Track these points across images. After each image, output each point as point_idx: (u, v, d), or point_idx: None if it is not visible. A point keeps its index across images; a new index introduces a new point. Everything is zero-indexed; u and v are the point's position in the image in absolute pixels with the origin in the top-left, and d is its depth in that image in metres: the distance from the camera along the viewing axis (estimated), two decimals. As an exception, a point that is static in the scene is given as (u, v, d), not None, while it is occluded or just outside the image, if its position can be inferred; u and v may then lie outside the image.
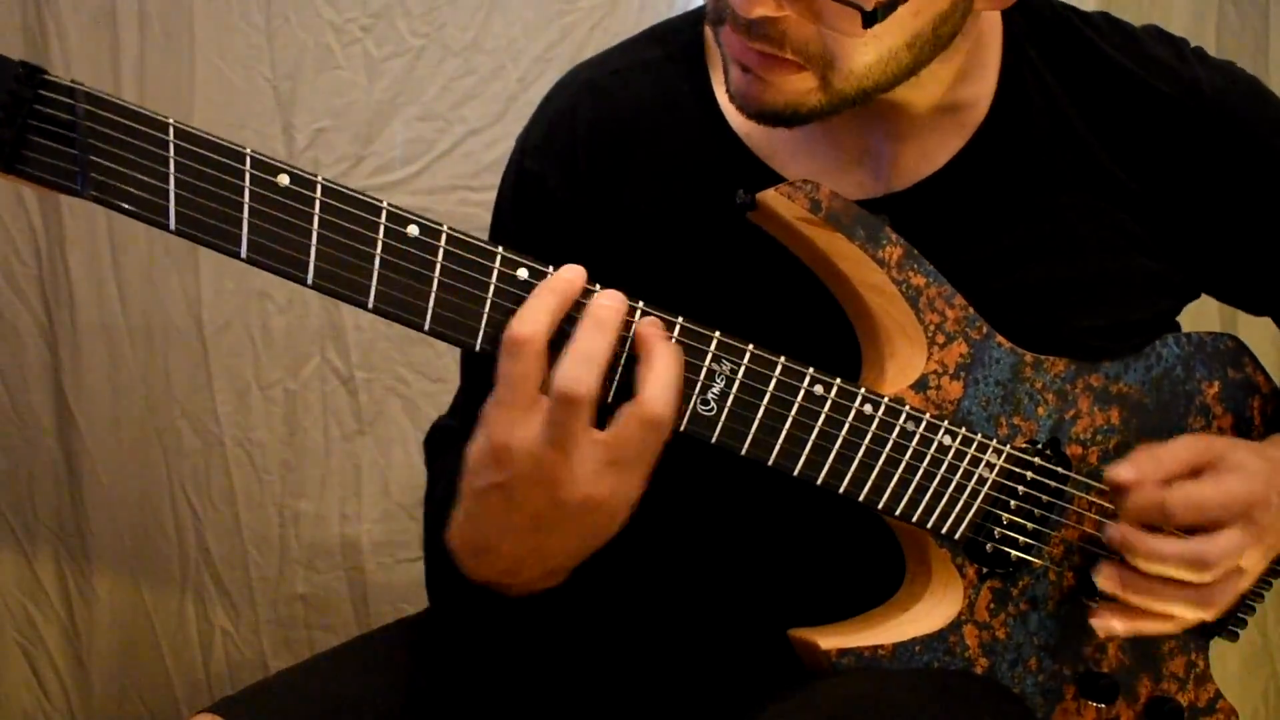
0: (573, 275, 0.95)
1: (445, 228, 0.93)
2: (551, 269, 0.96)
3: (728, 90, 1.08)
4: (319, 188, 0.90)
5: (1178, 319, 1.26)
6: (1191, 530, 1.09)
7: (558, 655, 1.27)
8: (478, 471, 0.96)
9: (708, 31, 1.21)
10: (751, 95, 1.05)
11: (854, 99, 1.04)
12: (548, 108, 1.26)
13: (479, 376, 1.01)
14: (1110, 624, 1.13)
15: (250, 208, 0.88)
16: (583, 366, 0.91)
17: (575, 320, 0.95)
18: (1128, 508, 1.09)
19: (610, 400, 0.97)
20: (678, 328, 1.00)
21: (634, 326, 0.97)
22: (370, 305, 0.92)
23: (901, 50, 1.02)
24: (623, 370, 0.97)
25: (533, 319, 0.92)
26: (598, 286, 0.97)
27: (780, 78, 1.03)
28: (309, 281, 0.90)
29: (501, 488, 0.94)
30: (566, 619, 1.32)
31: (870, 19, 0.97)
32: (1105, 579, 1.11)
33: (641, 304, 0.98)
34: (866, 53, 1.00)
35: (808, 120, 1.06)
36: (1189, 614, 1.11)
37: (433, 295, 0.93)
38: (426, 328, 0.94)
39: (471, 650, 1.23)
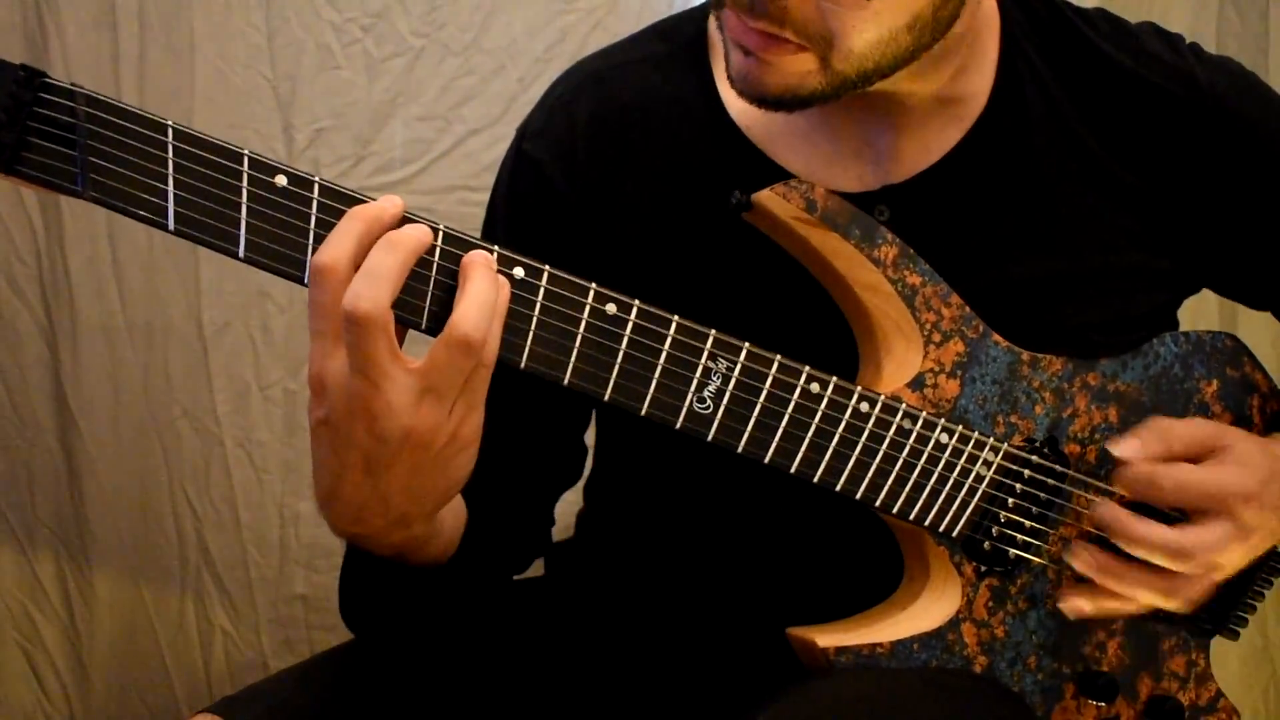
0: (385, 203, 0.91)
1: (442, 226, 0.93)
2: (547, 268, 0.96)
3: (728, 75, 1.07)
4: (316, 188, 0.90)
5: (1177, 317, 1.26)
6: (1178, 513, 1.10)
7: (552, 650, 1.28)
8: (309, 411, 0.93)
9: (711, 26, 1.21)
10: (752, 78, 1.05)
11: (855, 81, 1.04)
12: (550, 96, 1.27)
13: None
14: (1077, 604, 1.14)
15: (248, 208, 0.89)
16: (365, 283, 0.87)
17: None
18: (1120, 477, 1.10)
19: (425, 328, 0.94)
20: (673, 326, 1.00)
21: (461, 258, 0.93)
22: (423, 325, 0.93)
23: (901, 32, 1.02)
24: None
25: (335, 245, 0.88)
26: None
27: (780, 58, 1.02)
28: (306, 281, 0.90)
29: (326, 423, 0.92)
30: (560, 614, 1.32)
31: None
32: (1080, 561, 1.12)
33: (498, 250, 0.95)
34: (867, 31, 1.00)
35: (808, 104, 1.06)
36: (1157, 601, 1.12)
37: (429, 295, 0.93)
38: (423, 326, 0.94)
39: (388, 635, 1.20)
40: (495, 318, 0.92)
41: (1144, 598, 1.11)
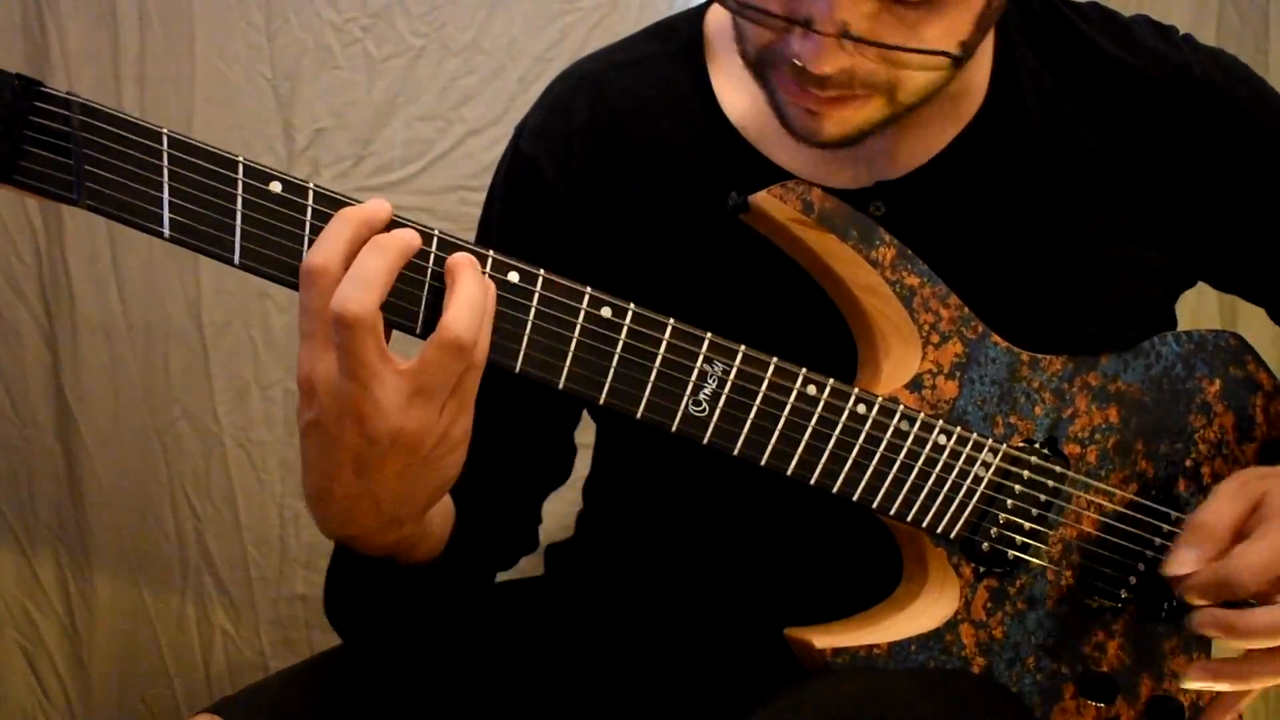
0: (375, 206, 0.91)
1: (436, 232, 0.93)
2: (542, 272, 0.96)
3: (785, 124, 1.07)
4: (311, 194, 0.90)
5: (1176, 317, 1.26)
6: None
7: (550, 650, 1.28)
8: (299, 413, 0.93)
9: (708, 27, 1.21)
10: (819, 130, 1.05)
11: (917, 105, 1.05)
12: (547, 96, 1.27)
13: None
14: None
15: (243, 215, 0.89)
16: (353, 285, 0.87)
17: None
18: (1194, 590, 1.08)
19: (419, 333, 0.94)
20: (668, 329, 1.00)
21: (446, 260, 0.93)
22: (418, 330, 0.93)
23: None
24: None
25: (325, 248, 0.88)
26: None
27: (850, 111, 1.03)
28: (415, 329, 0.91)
29: (316, 425, 0.92)
30: (560, 615, 1.32)
31: (960, 60, 0.99)
32: (1195, 680, 1.12)
33: (493, 254, 0.95)
34: (928, 68, 1.01)
35: (874, 134, 1.07)
36: None
37: (423, 300, 0.93)
38: (418, 331, 0.94)
39: (373, 634, 1.19)
40: (485, 318, 0.92)
41: (1273, 681, 1.10)
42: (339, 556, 1.09)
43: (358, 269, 0.88)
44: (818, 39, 0.96)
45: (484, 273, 0.94)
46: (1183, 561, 1.09)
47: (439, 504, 1.06)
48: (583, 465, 1.37)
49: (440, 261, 0.93)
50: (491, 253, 0.94)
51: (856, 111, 1.03)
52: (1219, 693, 1.15)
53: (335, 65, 1.80)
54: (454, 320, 0.90)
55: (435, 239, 0.93)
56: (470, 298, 0.91)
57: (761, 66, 1.06)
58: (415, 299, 0.93)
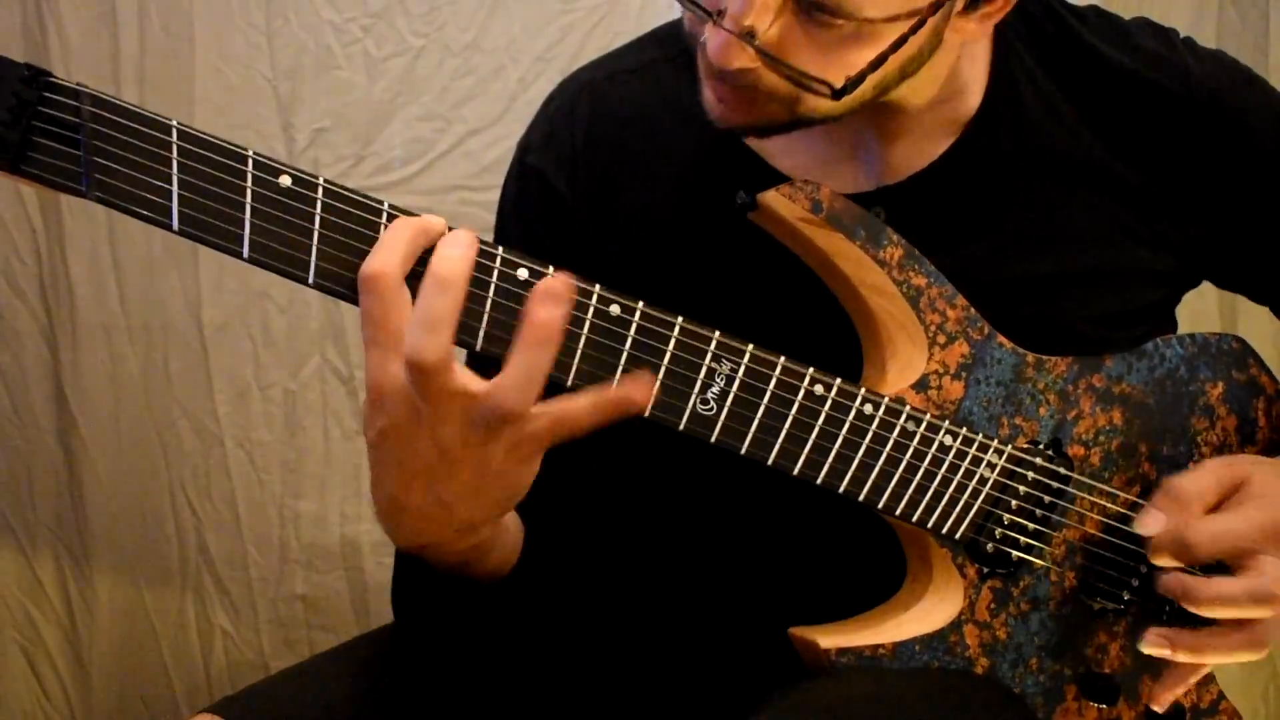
0: (430, 219, 0.91)
1: (500, 251, 0.94)
2: (551, 269, 0.96)
3: (703, 103, 1.08)
4: (320, 188, 0.90)
5: (1177, 319, 1.27)
6: (1217, 567, 1.09)
7: (552, 651, 1.28)
8: (368, 421, 0.92)
9: None
10: (725, 118, 1.06)
11: (832, 117, 1.05)
12: (549, 107, 1.27)
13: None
14: (1157, 693, 1.16)
15: (252, 208, 0.89)
16: (422, 333, 0.86)
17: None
18: (1155, 552, 1.09)
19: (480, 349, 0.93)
20: (677, 327, 1.00)
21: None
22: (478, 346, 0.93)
23: (869, 91, 1.03)
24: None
25: (384, 253, 0.88)
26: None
27: (752, 108, 1.04)
28: (310, 281, 0.90)
29: (387, 434, 0.91)
30: (561, 615, 1.32)
31: (839, 94, 0.99)
32: (1150, 646, 1.12)
33: (501, 252, 0.94)
34: (834, 103, 1.01)
35: (780, 132, 1.08)
36: (1241, 656, 1.11)
37: (485, 316, 0.93)
38: (479, 348, 0.93)
39: (443, 645, 1.20)
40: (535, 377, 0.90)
41: (1230, 656, 1.11)
42: (406, 563, 1.09)
43: (426, 313, 0.87)
44: (724, 34, 0.98)
45: (494, 269, 0.94)
46: (1148, 521, 1.10)
47: (510, 515, 1.06)
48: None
49: (505, 278, 0.93)
50: (500, 250, 0.94)
51: (758, 110, 1.04)
52: (1175, 664, 1.14)
53: (335, 65, 1.80)
54: (504, 386, 0.89)
55: (499, 257, 0.93)
56: (528, 363, 0.88)
57: (693, 49, 1.07)
58: (478, 316, 0.93)
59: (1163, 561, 1.10)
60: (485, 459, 0.92)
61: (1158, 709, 1.16)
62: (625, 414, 0.93)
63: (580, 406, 0.92)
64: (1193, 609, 1.09)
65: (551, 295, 0.88)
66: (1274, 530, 1.08)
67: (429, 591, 1.12)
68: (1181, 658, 1.12)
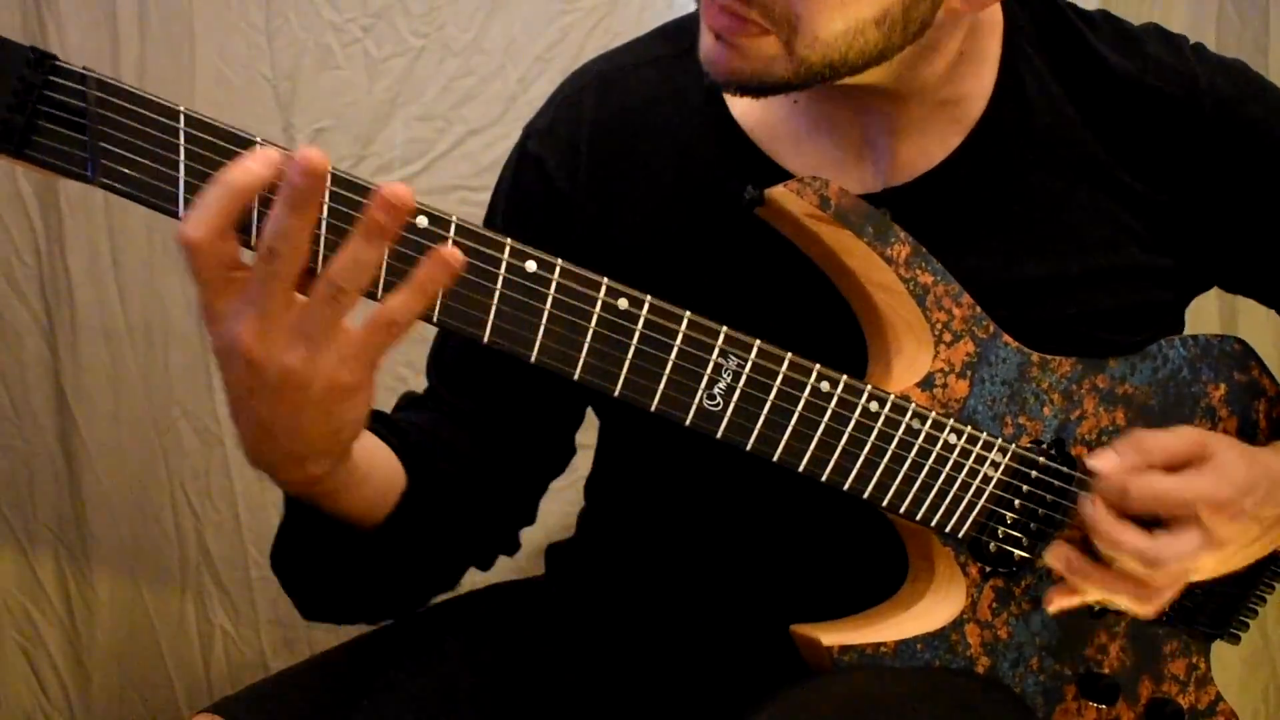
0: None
1: (454, 218, 0.91)
2: (560, 261, 0.95)
3: (700, 59, 1.08)
4: (329, 177, 0.89)
5: (1184, 318, 1.27)
6: (1155, 522, 1.09)
7: (554, 647, 1.28)
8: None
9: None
10: (719, 62, 1.06)
11: (821, 72, 1.04)
12: (557, 96, 1.28)
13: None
14: (1050, 598, 1.15)
15: (260, 196, 0.87)
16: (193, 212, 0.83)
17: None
18: (1096, 488, 1.10)
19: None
20: (684, 322, 1.00)
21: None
22: (379, 295, 0.91)
23: (869, 26, 1.02)
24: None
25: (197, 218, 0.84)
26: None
27: (746, 41, 1.03)
28: (316, 270, 0.89)
29: (216, 353, 0.91)
30: (563, 612, 1.32)
31: None
32: (1054, 557, 1.13)
33: (510, 243, 0.93)
34: (833, 20, 1.00)
35: (775, 91, 1.07)
36: (1125, 606, 1.13)
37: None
38: (435, 319, 0.93)
39: (306, 585, 1.17)
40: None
41: (1114, 600, 1.12)
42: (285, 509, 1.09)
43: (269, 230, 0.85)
44: None
45: (503, 260, 0.93)
46: (1100, 460, 1.11)
47: (381, 468, 1.07)
48: (584, 464, 1.37)
49: (464, 250, 0.90)
50: (509, 241, 0.93)
51: (755, 45, 1.03)
52: (1074, 583, 1.14)
53: (335, 65, 1.80)
54: (333, 268, 0.87)
55: (454, 225, 0.91)
56: (354, 252, 0.86)
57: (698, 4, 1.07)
58: (484, 307, 0.93)
59: (1097, 502, 1.10)
60: (300, 385, 0.89)
61: (1047, 608, 1.15)
62: (442, 284, 0.90)
63: (394, 299, 0.89)
64: (1093, 540, 1.10)
65: (397, 200, 0.85)
66: (1214, 504, 1.08)
67: (287, 530, 1.11)
68: (1072, 579, 1.12)
